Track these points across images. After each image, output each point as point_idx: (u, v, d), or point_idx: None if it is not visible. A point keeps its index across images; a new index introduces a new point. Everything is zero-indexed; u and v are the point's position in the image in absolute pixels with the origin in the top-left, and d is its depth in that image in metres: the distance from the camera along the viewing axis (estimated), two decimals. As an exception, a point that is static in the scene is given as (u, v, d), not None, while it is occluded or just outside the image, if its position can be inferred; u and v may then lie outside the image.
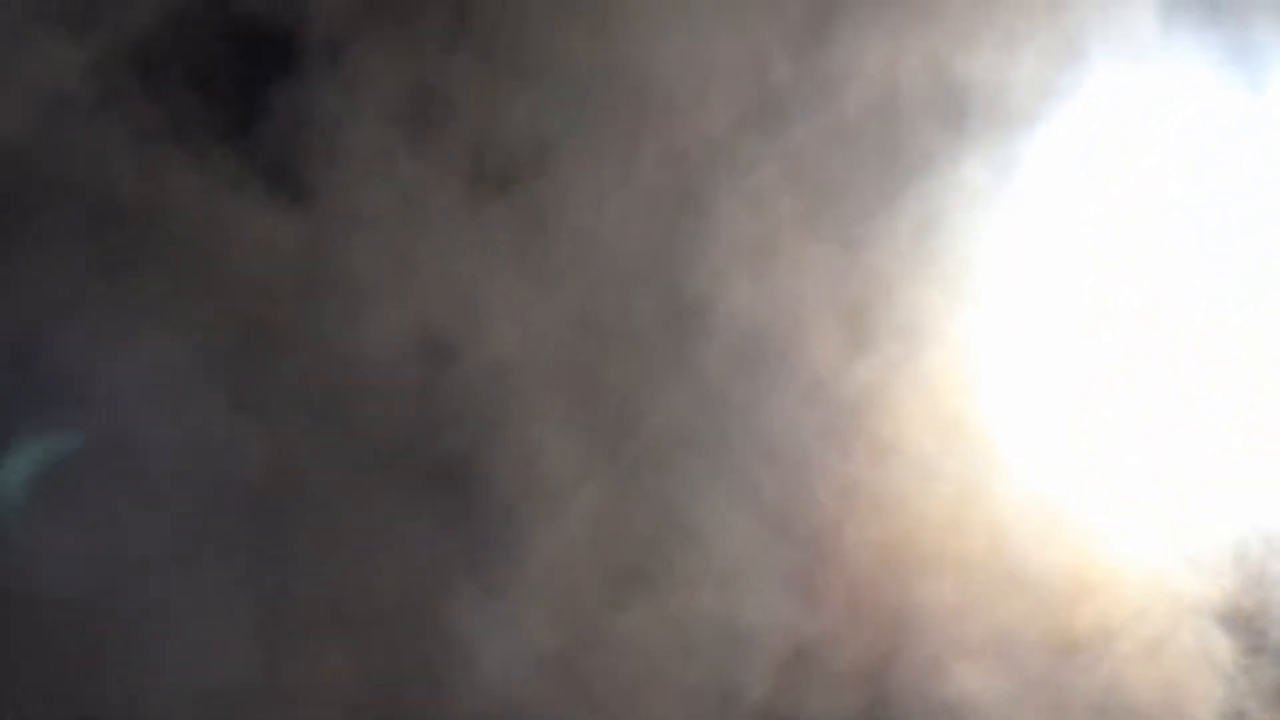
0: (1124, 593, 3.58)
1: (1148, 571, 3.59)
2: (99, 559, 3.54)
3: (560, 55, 3.74)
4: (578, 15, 3.74)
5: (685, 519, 3.69)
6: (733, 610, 3.65)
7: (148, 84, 3.71)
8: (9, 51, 3.65)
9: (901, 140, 3.68)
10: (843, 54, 3.69)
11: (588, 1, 3.74)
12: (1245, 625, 3.60)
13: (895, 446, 3.63)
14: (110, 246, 3.66)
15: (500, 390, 3.73)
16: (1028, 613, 3.58)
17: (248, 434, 3.66)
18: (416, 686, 3.62)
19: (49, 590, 3.51)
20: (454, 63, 3.76)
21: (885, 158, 3.68)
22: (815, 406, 3.67)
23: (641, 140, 3.72)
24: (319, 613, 3.60)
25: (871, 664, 3.61)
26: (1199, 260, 3.64)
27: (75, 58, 3.67)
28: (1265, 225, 3.63)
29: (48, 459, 3.60)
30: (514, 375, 3.74)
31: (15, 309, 3.63)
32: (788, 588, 3.64)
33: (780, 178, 3.69)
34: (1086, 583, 3.58)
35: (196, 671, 3.54)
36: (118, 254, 3.66)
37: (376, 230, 3.76)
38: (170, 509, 3.60)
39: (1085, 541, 3.60)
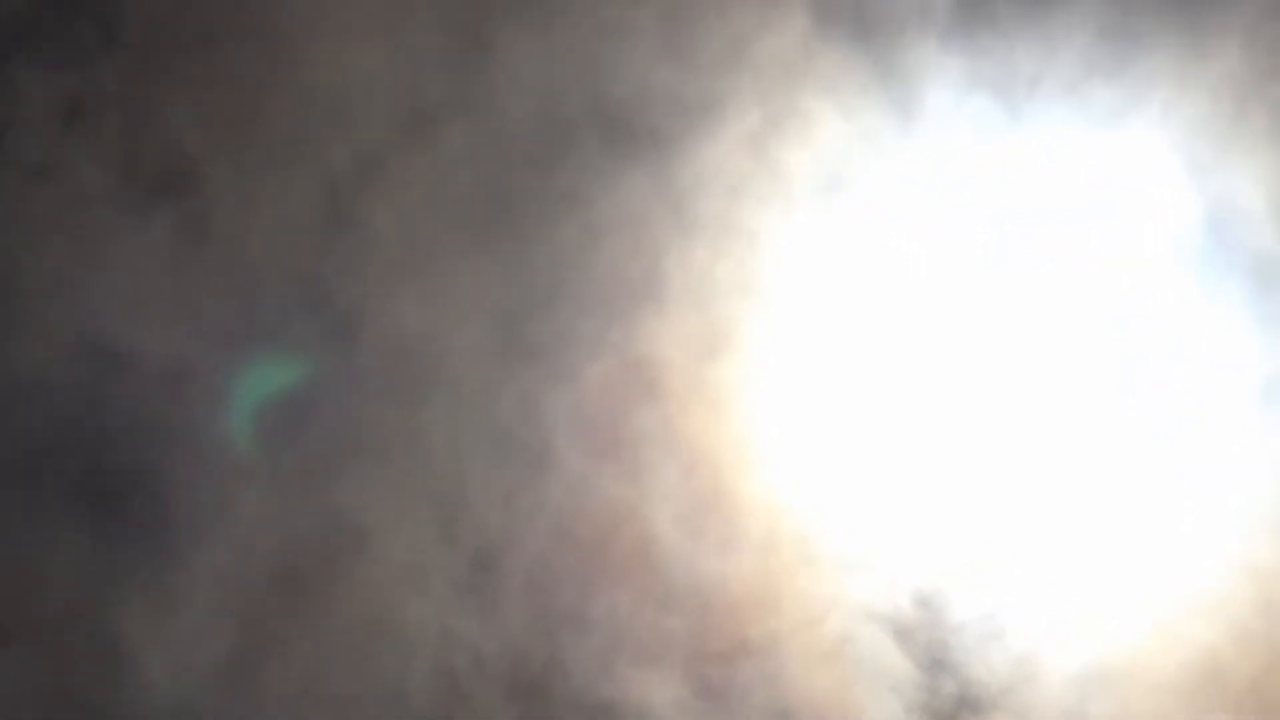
0: (799, 603, 3.70)
1: (824, 583, 3.70)
2: None
3: (217, 70, 3.73)
4: (231, 30, 3.72)
5: (351, 524, 3.75)
6: (398, 616, 3.73)
7: None
8: None
9: (560, 155, 3.73)
10: (499, 68, 3.73)
11: (241, 17, 3.73)
12: (921, 640, 3.73)
13: (548, 459, 3.72)
14: None
15: (166, 397, 3.75)
16: (695, 621, 3.69)
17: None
18: (84, 698, 3.65)
19: None
20: (109, 75, 3.74)
21: (543, 172, 3.73)
22: (472, 417, 3.74)
23: (297, 153, 3.73)
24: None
25: (537, 671, 3.72)
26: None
27: None
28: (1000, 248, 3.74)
29: None
30: (179, 383, 3.76)
31: None
32: (454, 594, 3.72)
33: (434, 191, 3.73)
34: (760, 592, 3.69)
35: None
36: None
37: (37, 237, 3.74)
38: None
39: (762, 550, 3.71)
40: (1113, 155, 3.69)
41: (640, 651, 3.69)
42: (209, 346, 3.76)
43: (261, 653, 3.71)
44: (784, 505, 3.71)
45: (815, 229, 3.73)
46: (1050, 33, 3.69)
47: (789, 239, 3.73)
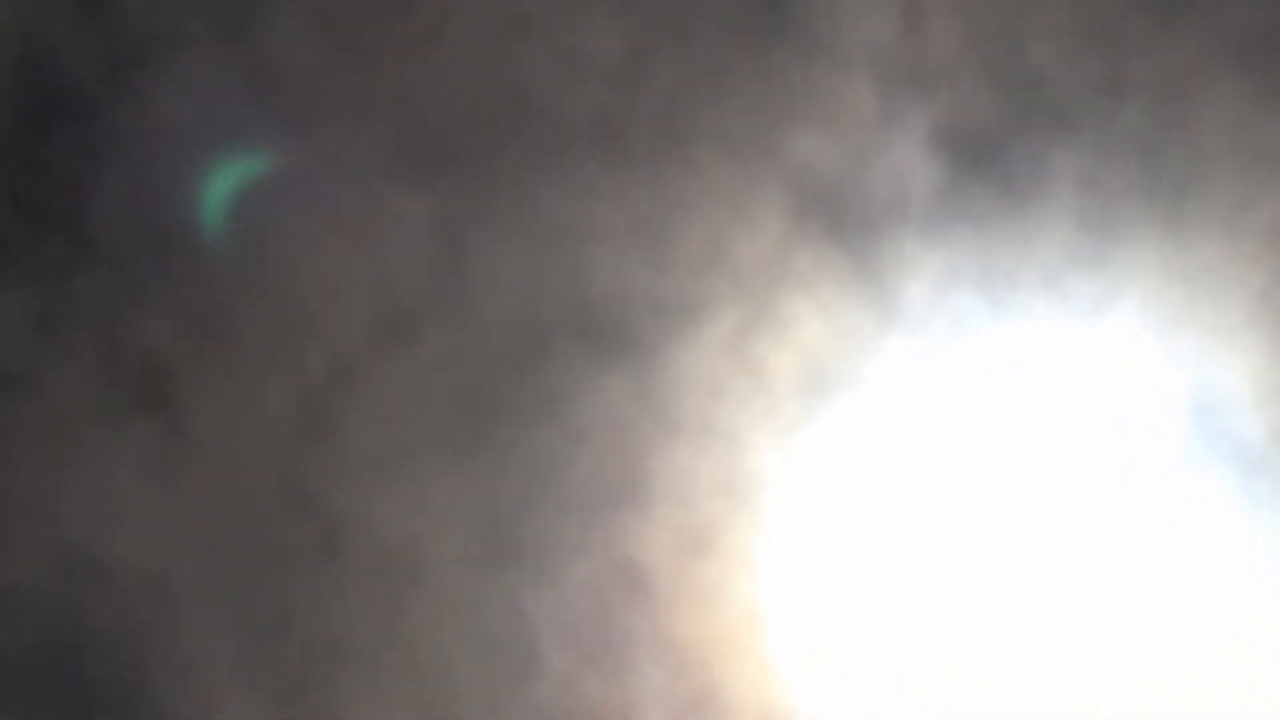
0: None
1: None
2: None
3: (189, 279, 3.71)
4: (203, 239, 3.70)
5: (339, 728, 3.75)
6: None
7: None
8: None
9: (539, 358, 3.71)
10: (475, 272, 3.70)
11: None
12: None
13: (534, 662, 3.71)
14: None
15: (147, 608, 3.74)
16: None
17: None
18: None
19: None
20: (82, 283, 3.72)
21: (524, 375, 3.71)
22: (456, 621, 3.73)
23: (273, 361, 3.71)
24: None
25: None
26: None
27: None
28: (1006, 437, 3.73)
29: None
30: (160, 593, 3.75)
31: None
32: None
33: (412, 396, 3.71)
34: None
35: None
36: None
37: (12, 448, 3.73)
38: None
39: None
40: (1094, 346, 3.68)
41: None
42: (189, 556, 3.75)
43: None
44: (774, 704, 3.71)
45: (797, 428, 3.71)
46: (1028, 225, 3.67)
47: (770, 438, 3.71)
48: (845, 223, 3.68)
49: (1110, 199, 3.67)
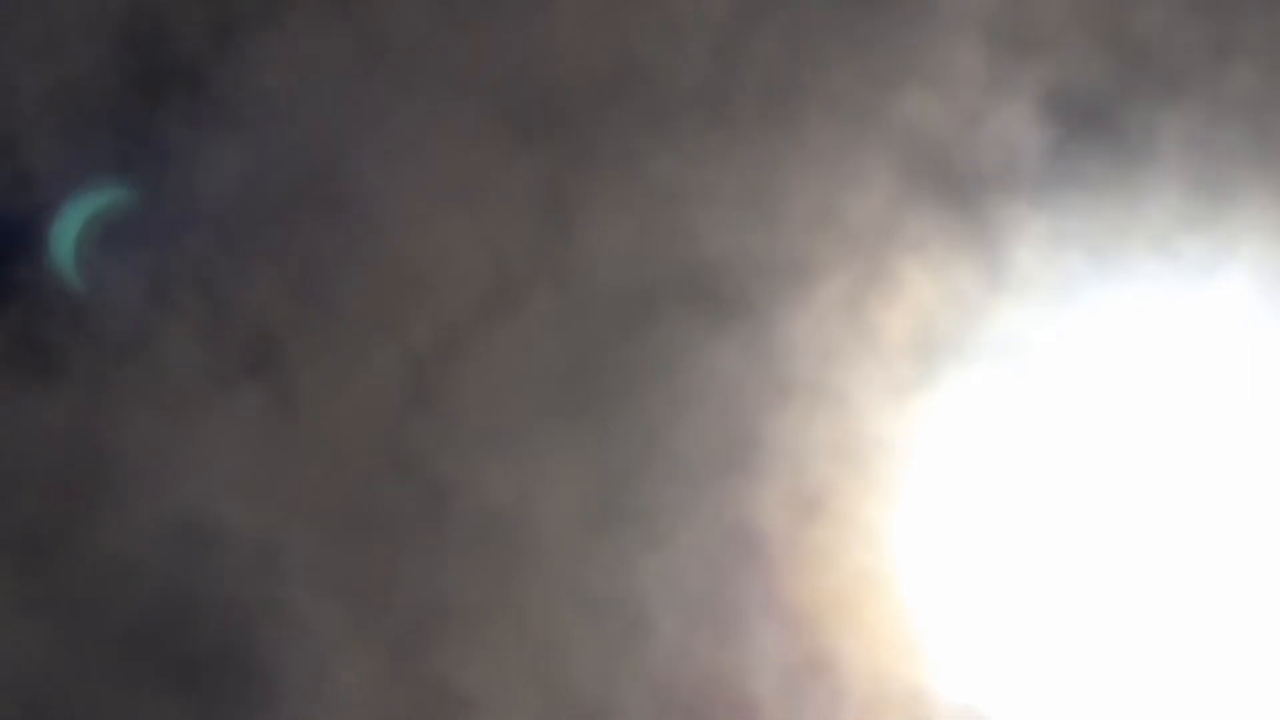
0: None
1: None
2: None
3: (297, 243, 3.72)
4: (311, 203, 3.71)
5: (450, 695, 3.75)
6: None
7: None
8: None
9: (648, 322, 3.71)
10: (583, 236, 3.71)
11: (319, 189, 3.71)
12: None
13: (644, 626, 3.71)
14: None
15: (258, 574, 3.74)
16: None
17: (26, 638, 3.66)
18: None
19: None
20: (190, 250, 3.74)
21: (633, 340, 3.71)
22: (565, 585, 3.73)
23: (381, 326, 3.72)
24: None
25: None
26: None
27: None
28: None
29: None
30: (270, 559, 3.75)
31: None
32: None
33: (520, 361, 3.72)
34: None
35: None
36: None
37: (124, 415, 3.74)
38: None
39: (868, 713, 3.70)
40: (1204, 308, 3.67)
41: None
42: (297, 522, 3.75)
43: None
44: (888, 666, 3.70)
45: (908, 390, 3.70)
46: (1137, 187, 3.67)
47: (882, 401, 3.71)
48: (954, 185, 3.68)
49: (1219, 161, 3.67)
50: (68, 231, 3.73)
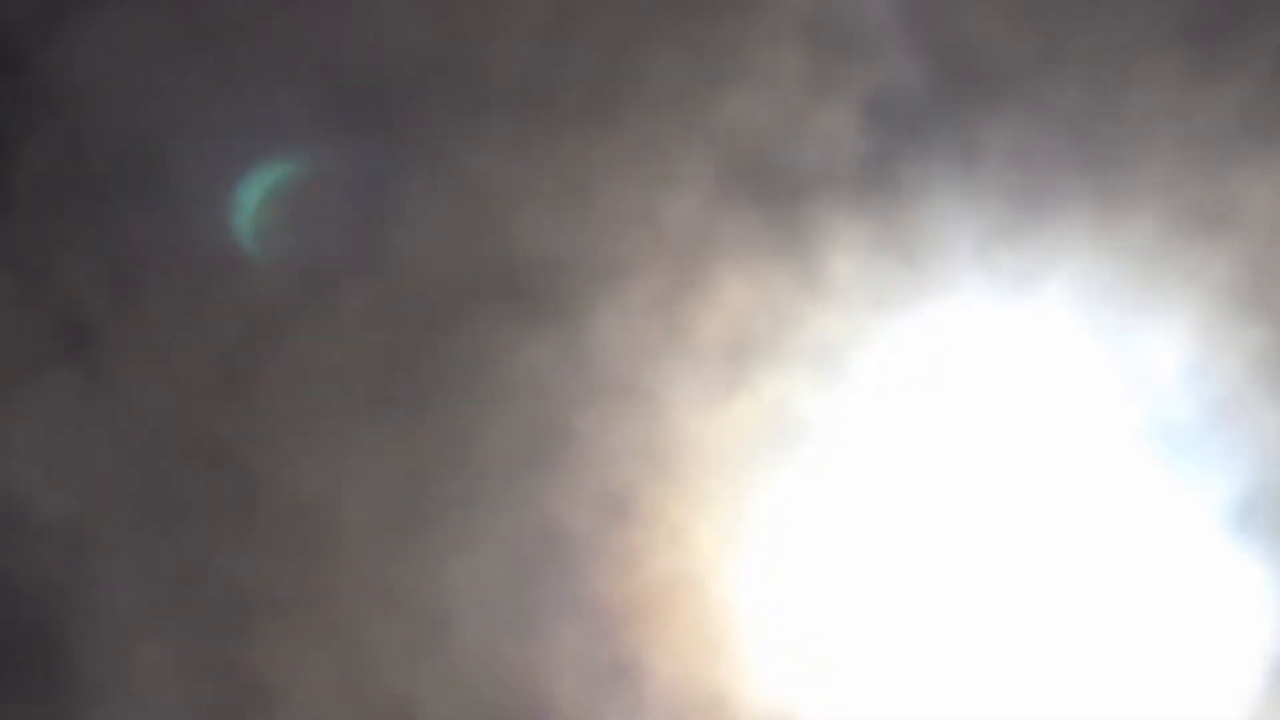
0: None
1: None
2: None
3: (111, 229, 3.69)
4: (124, 190, 3.69)
5: (254, 684, 3.73)
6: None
7: None
8: None
9: (463, 318, 3.68)
10: (400, 231, 3.68)
11: (132, 173, 3.69)
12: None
13: (449, 622, 3.69)
14: None
15: (66, 557, 3.72)
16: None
17: None
18: None
19: None
20: (4, 232, 3.70)
21: (446, 334, 3.68)
22: (372, 579, 3.71)
23: (195, 314, 3.69)
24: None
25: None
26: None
27: None
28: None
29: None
30: (79, 540, 3.73)
31: None
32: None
33: (333, 353, 3.69)
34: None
35: None
36: None
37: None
38: None
39: (671, 716, 3.69)
40: (1019, 321, 3.65)
41: None
42: (105, 507, 3.73)
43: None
44: (693, 669, 3.68)
45: (720, 393, 3.68)
46: (957, 197, 3.64)
47: (694, 403, 3.68)
48: (773, 188, 3.65)
49: (1041, 174, 3.64)
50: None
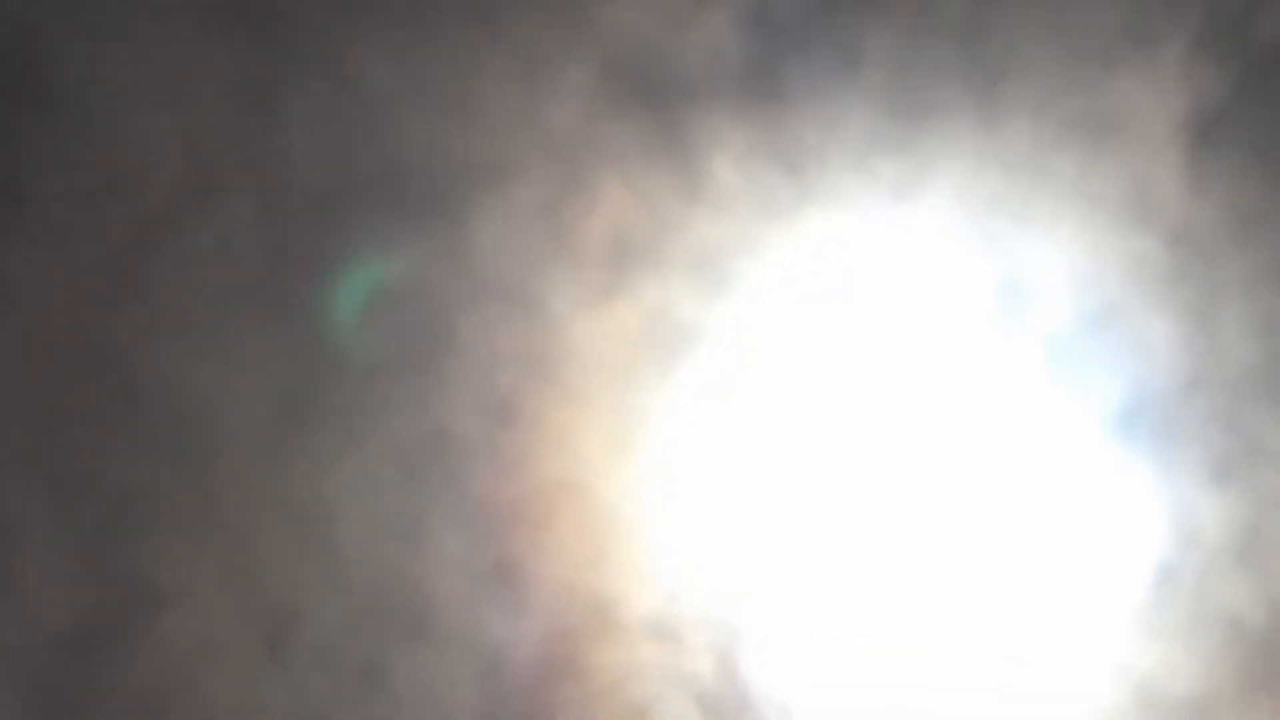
0: (596, 671, 3.71)
1: (623, 650, 3.71)
2: None
3: (9, 136, 3.70)
4: (7, 90, 3.68)
5: (143, 590, 3.75)
6: (194, 685, 3.74)
7: None
8: None
9: (350, 220, 3.70)
10: (287, 133, 3.69)
11: (13, 77, 3.68)
12: (727, 709, 3.75)
13: (335, 526, 3.72)
14: None
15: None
16: (489, 688, 3.71)
17: None
18: None
19: None
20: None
21: (331, 236, 3.70)
22: (260, 483, 3.73)
23: (81, 220, 3.70)
24: None
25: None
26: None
27: None
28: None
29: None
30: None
31: None
32: (250, 662, 3.73)
33: (220, 257, 3.70)
34: (554, 660, 3.71)
35: None
36: None
37: None
38: None
39: (556, 618, 3.72)
40: (902, 230, 3.68)
41: (438, 718, 3.72)
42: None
43: (50, 721, 3.74)
44: (576, 574, 3.72)
45: (601, 298, 3.71)
46: (839, 106, 3.66)
47: (577, 308, 3.71)
48: (655, 94, 3.67)
49: (923, 84, 3.66)
50: None
